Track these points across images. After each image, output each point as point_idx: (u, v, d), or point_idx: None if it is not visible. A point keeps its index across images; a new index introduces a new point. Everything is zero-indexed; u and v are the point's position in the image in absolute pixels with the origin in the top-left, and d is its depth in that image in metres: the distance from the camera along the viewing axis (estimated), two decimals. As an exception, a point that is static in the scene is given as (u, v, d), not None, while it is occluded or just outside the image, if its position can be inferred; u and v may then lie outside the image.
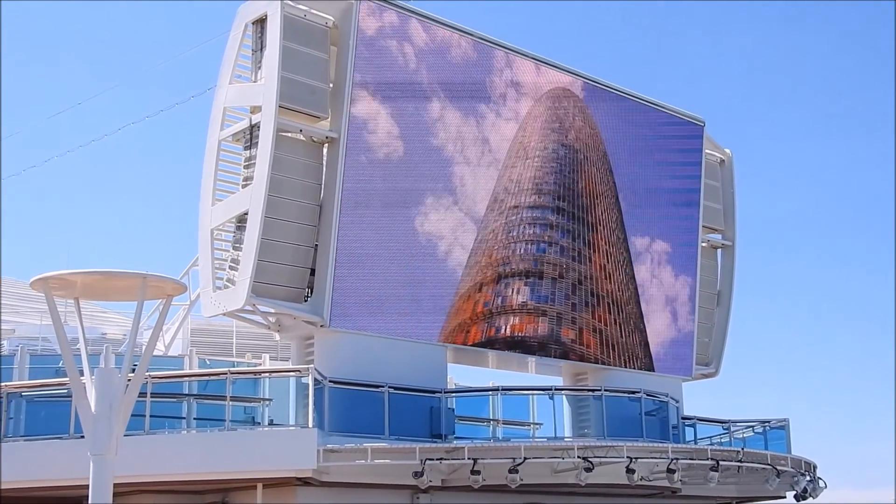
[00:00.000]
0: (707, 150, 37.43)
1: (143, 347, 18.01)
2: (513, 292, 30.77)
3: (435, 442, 25.97)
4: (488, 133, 30.70)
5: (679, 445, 29.30)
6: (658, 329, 34.87)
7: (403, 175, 28.44)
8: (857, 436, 76.50)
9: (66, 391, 23.04)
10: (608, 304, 33.30)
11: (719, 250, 38.61)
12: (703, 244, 37.43)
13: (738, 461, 28.04)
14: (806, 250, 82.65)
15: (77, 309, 15.77)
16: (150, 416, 23.65)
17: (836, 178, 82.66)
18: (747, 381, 76.34)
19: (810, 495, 30.82)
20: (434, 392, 27.22)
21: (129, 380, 15.37)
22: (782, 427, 34.53)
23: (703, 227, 37.08)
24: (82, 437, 15.56)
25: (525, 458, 24.69)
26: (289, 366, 27.31)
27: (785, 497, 32.19)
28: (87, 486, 15.25)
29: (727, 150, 38.64)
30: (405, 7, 28.86)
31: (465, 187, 29.98)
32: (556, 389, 29.62)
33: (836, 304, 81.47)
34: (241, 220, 26.04)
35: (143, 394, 22.94)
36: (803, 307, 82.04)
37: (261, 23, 26.80)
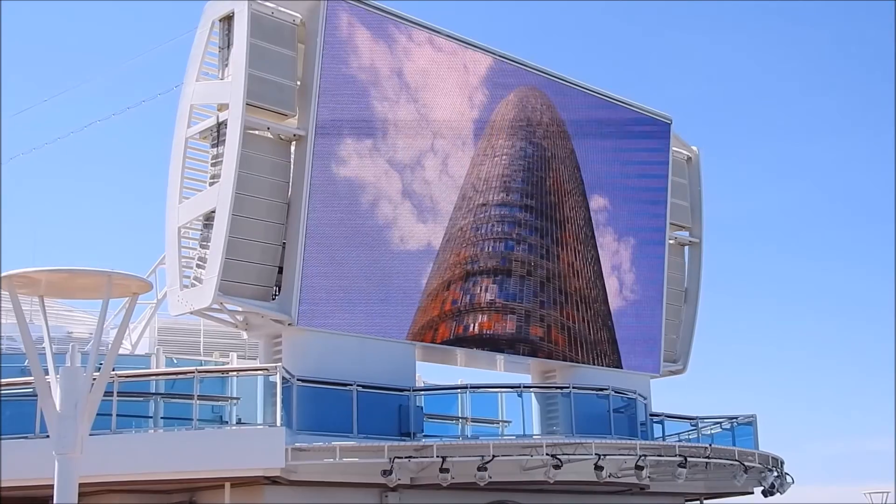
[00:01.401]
0: (674, 148, 37.59)
1: (109, 346, 17.87)
2: (481, 290, 30.79)
3: (403, 440, 25.96)
4: (456, 131, 30.69)
5: (647, 442, 29.42)
6: (626, 326, 34.97)
7: (371, 173, 28.39)
8: (823, 432, 77.13)
9: (31, 390, 22.85)
10: (576, 301, 33.38)
11: (686, 247, 38.79)
12: (671, 241, 37.59)
13: (705, 457, 28.17)
14: (772, 247, 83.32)
15: (42, 307, 15.61)
16: (117, 415, 23.50)
17: (802, 175, 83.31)
18: (715, 377, 76.85)
19: (777, 491, 31.01)
20: (402, 390, 27.21)
21: (95, 379, 15.22)
22: (749, 423, 34.76)
23: (671, 224, 37.22)
24: (48, 436, 15.41)
25: (494, 456, 24.71)
26: (256, 364, 27.20)
27: (752, 493, 32.43)
28: (52, 486, 15.10)
29: (694, 148, 38.82)
30: (373, 5, 28.81)
31: (434, 185, 29.96)
32: (524, 387, 29.70)
33: (803, 301, 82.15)
34: (209, 218, 25.91)
35: (109, 393, 22.81)
36: (770, 304, 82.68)
37: (228, 20, 26.66)
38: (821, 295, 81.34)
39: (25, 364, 26.03)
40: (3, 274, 14.89)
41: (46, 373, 15.31)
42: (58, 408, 15.05)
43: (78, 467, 15.21)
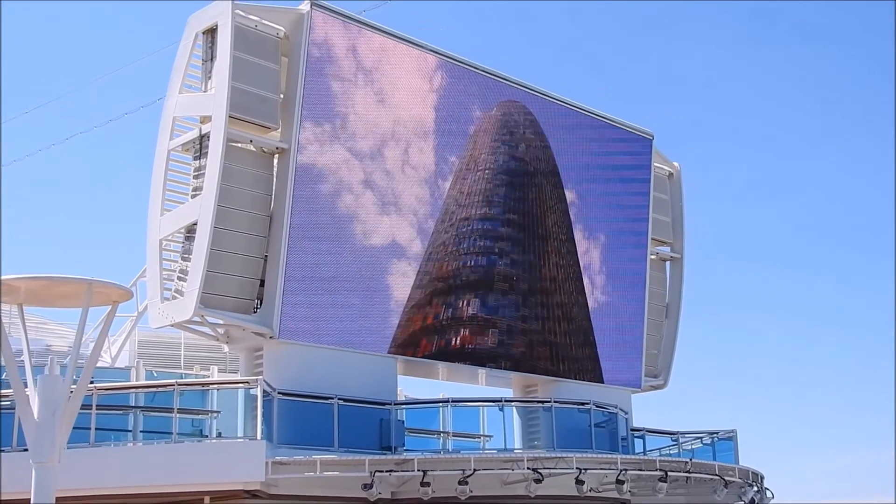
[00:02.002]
0: (656, 164, 37.74)
1: (88, 357, 17.82)
2: (463, 304, 30.79)
3: (385, 454, 25.89)
4: (439, 145, 30.71)
5: (628, 456, 29.45)
6: (607, 341, 35.01)
7: (354, 187, 28.38)
8: (804, 447, 77.30)
9: (9, 402, 22.71)
10: (558, 315, 33.41)
11: (668, 262, 38.90)
12: (652, 256, 37.69)
13: (686, 472, 28.21)
14: (754, 262, 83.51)
15: (21, 316, 15.54)
16: (96, 428, 23.41)
17: (782, 190, 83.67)
18: (696, 392, 76.91)
19: (758, 505, 31.07)
20: (384, 404, 27.16)
21: (73, 388, 15.16)
22: (730, 438, 34.82)
23: (652, 239, 37.34)
24: (26, 449, 15.32)
25: (475, 470, 24.67)
26: (237, 377, 27.11)
27: (733, 507, 32.43)
28: (30, 500, 15.01)
29: (675, 164, 38.98)
30: (357, 18, 28.85)
31: (416, 200, 29.96)
32: (506, 401, 29.69)
33: (785, 316, 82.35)
34: (190, 231, 25.85)
35: (88, 406, 22.72)
36: (752, 319, 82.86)
37: (211, 32, 26.65)
38: (803, 309, 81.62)
39: (3, 377, 25.89)
40: (-19, 282, 14.81)
41: (25, 385, 15.24)
42: (36, 416, 14.97)
43: (56, 477, 15.13)
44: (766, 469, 32.27)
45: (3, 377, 26.50)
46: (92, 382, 20.61)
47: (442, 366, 30.79)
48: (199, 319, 25.93)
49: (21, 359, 15.85)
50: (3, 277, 14.74)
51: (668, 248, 38.75)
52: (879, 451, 73.58)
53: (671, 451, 34.18)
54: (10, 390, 16.60)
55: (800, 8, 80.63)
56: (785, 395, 79.56)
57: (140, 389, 25.56)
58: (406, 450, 26.67)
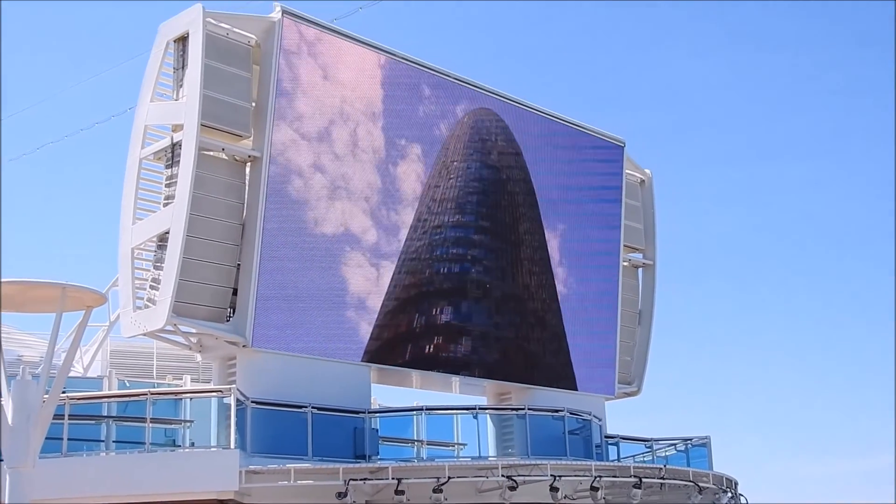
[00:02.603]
0: (627, 171, 37.88)
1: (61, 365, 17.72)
2: (437, 312, 30.80)
3: (359, 462, 25.85)
4: (411, 152, 30.73)
5: (602, 463, 29.48)
6: (581, 348, 35.08)
7: (327, 194, 28.35)
8: (777, 453, 77.70)
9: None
10: (531, 323, 33.48)
11: (640, 269, 39.03)
12: (625, 263, 37.82)
13: (660, 478, 28.30)
14: (726, 269, 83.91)
15: (-6, 322, 15.49)
16: (68, 438, 23.22)
17: (755, 198, 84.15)
18: (669, 399, 77.18)
19: (732, 511, 31.21)
20: (358, 412, 27.11)
21: (47, 393, 15.10)
22: (704, 444, 34.97)
23: (625, 246, 37.47)
24: (0, 460, 15.23)
25: (449, 478, 24.62)
26: (210, 387, 27.00)
27: (707, 513, 32.54)
28: (3, 508, 14.95)
29: (647, 171, 39.14)
30: (328, 26, 28.84)
31: (389, 207, 29.95)
32: (480, 409, 29.72)
33: (757, 322, 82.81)
34: (163, 239, 25.75)
35: (60, 415, 22.55)
36: (724, 326, 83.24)
37: (183, 41, 26.58)
38: (775, 316, 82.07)
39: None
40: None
41: (-2, 392, 15.20)
42: (10, 421, 14.91)
43: (31, 482, 15.06)
44: (740, 475, 32.44)
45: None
46: (64, 392, 20.45)
47: (415, 374, 30.78)
48: (171, 328, 25.81)
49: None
50: (-25, 284, 14.67)
51: (640, 255, 38.89)
52: (854, 459, 74.06)
53: (645, 458, 34.27)
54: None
55: (772, 15, 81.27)
56: (758, 402, 79.94)
57: (112, 399, 25.39)
58: (380, 458, 26.62)
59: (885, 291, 74.32)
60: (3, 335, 23.32)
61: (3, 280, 14.52)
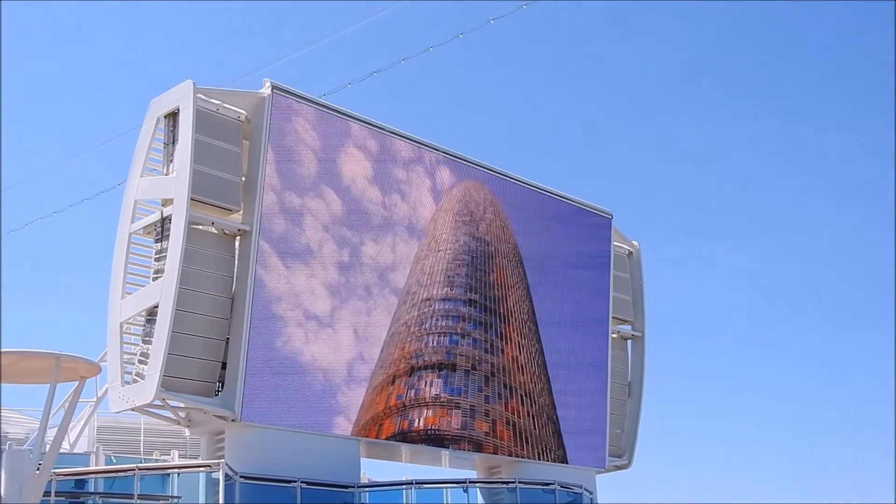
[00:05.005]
0: (615, 243, 38.06)
1: (52, 439, 17.61)
2: (426, 385, 30.71)
3: (348, 537, 25.63)
4: (400, 226, 30.86)
5: (593, 537, 29.27)
6: (571, 421, 34.95)
7: (316, 268, 28.40)
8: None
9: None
10: (521, 395, 33.38)
11: (629, 341, 39.03)
12: (614, 335, 37.83)
13: (652, 552, 28.11)
14: (716, 339, 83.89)
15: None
16: (55, 515, 23.01)
17: (743, 269, 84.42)
18: (660, 471, 76.64)
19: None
20: (347, 487, 26.93)
21: (40, 464, 15.03)
22: (695, 517, 34.76)
23: (613, 318, 37.50)
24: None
25: (440, 552, 24.45)
26: (198, 461, 26.76)
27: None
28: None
29: (635, 243, 39.33)
30: (317, 101, 29.11)
31: (378, 280, 30.00)
32: (470, 482, 29.52)
33: (746, 393, 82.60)
34: (152, 314, 25.70)
35: (47, 492, 22.31)
36: (714, 397, 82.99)
37: (173, 116, 26.78)
38: (765, 387, 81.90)
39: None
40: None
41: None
42: (2, 492, 14.80)
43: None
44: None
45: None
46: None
47: (405, 448, 30.58)
48: (160, 403, 25.66)
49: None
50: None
51: (629, 327, 38.91)
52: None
53: (636, 531, 34.03)
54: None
55: (763, 82, 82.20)
56: (750, 473, 79.43)
57: (100, 475, 25.16)
58: (370, 533, 26.42)
59: (884, 361, 74.30)
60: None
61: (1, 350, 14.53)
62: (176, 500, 24.29)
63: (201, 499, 23.95)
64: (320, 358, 28.14)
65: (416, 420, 30.37)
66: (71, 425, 32.19)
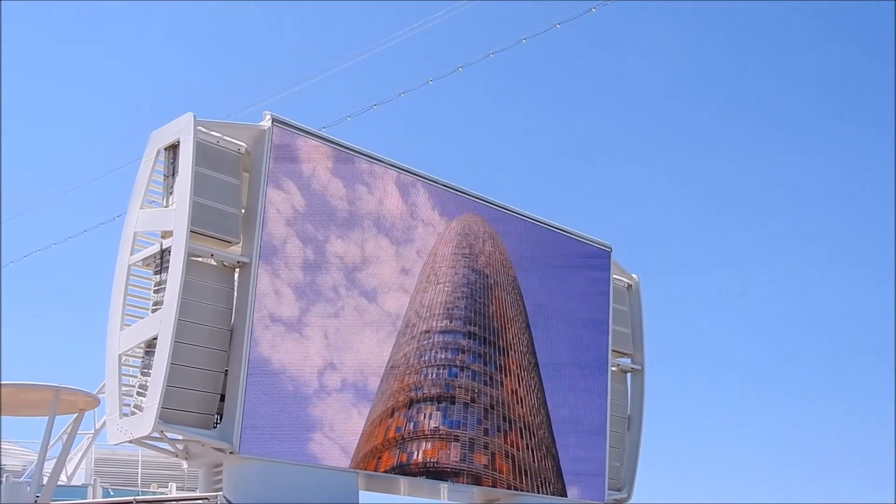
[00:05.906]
0: (614, 276, 38.12)
1: (50, 474, 17.56)
2: (425, 417, 30.67)
3: (346, 571, 25.51)
4: (399, 259, 30.92)
5: (593, 571, 29.16)
6: (570, 454, 34.90)
7: (315, 300, 28.43)
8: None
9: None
10: (520, 428, 33.33)
11: (629, 374, 39.02)
12: (613, 368, 37.82)
13: (651, 586, 27.97)
14: (717, 373, 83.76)
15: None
16: (52, 548, 22.90)
17: (741, 302, 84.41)
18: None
19: None
20: (345, 520, 26.84)
21: (39, 496, 15.00)
22: (696, 553, 34.63)
23: (613, 351, 37.51)
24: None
25: (438, 587, 24.35)
26: (196, 494, 26.72)
27: None
28: None
29: (634, 275, 39.39)
30: (317, 134, 29.24)
31: (376, 313, 30.02)
32: (468, 516, 29.46)
33: (747, 428, 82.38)
34: (150, 346, 25.71)
35: (44, 525, 22.26)
36: (714, 431, 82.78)
37: (173, 148, 26.90)
38: (765, 421, 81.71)
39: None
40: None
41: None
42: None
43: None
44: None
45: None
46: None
47: (403, 481, 30.49)
48: (158, 435, 25.63)
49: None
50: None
51: (628, 360, 38.91)
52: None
53: (636, 566, 33.89)
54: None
55: (769, 113, 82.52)
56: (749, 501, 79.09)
57: (97, 508, 25.13)
58: (368, 567, 26.31)
59: (884, 396, 74.15)
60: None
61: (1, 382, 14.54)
62: (173, 534, 24.24)
63: (199, 532, 23.87)
64: (319, 391, 28.10)
65: (415, 453, 30.31)
66: (68, 457, 32.16)
